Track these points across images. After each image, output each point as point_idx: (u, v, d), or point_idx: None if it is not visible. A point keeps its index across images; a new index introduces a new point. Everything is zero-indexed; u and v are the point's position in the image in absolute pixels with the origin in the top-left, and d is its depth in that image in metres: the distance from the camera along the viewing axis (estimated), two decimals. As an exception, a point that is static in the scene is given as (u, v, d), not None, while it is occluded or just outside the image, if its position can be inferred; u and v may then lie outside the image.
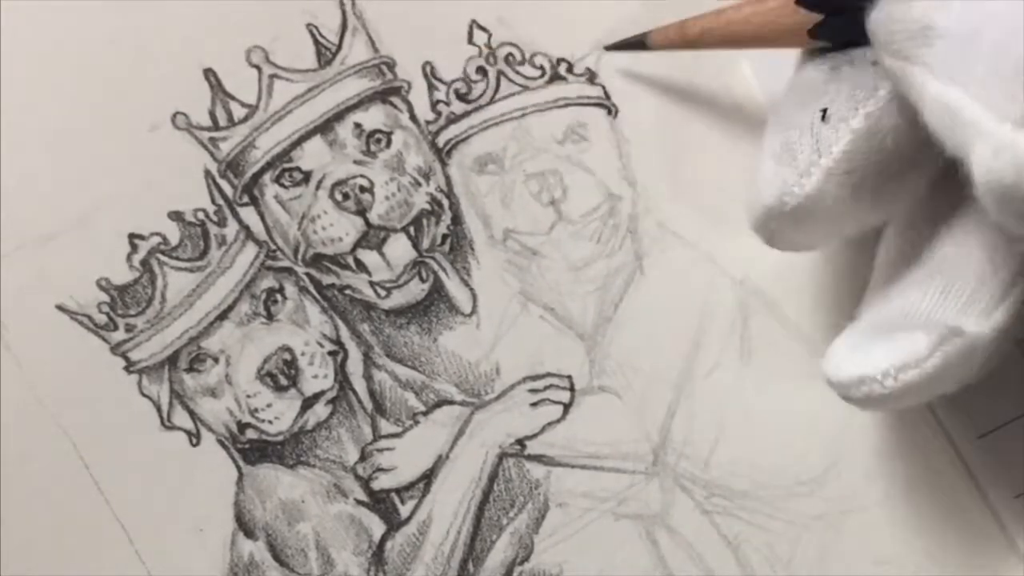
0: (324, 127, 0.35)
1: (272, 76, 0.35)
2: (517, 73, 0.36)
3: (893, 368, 0.27)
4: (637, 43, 0.34)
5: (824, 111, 0.27)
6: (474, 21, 0.36)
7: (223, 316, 0.35)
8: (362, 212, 0.35)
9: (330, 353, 0.35)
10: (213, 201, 0.35)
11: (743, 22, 0.30)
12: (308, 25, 0.35)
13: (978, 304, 0.28)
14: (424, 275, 0.35)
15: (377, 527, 0.35)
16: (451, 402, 0.35)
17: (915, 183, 0.29)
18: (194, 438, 0.35)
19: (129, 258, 0.35)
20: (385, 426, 0.35)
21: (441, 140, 0.36)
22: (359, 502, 0.35)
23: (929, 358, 0.27)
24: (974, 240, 0.28)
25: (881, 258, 0.31)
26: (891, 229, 0.31)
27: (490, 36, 0.36)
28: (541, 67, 0.36)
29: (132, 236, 0.35)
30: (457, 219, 0.35)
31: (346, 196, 0.35)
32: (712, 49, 0.32)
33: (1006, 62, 0.23)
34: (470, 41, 0.36)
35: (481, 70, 0.36)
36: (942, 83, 0.24)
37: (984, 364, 0.28)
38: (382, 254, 0.35)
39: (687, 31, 0.32)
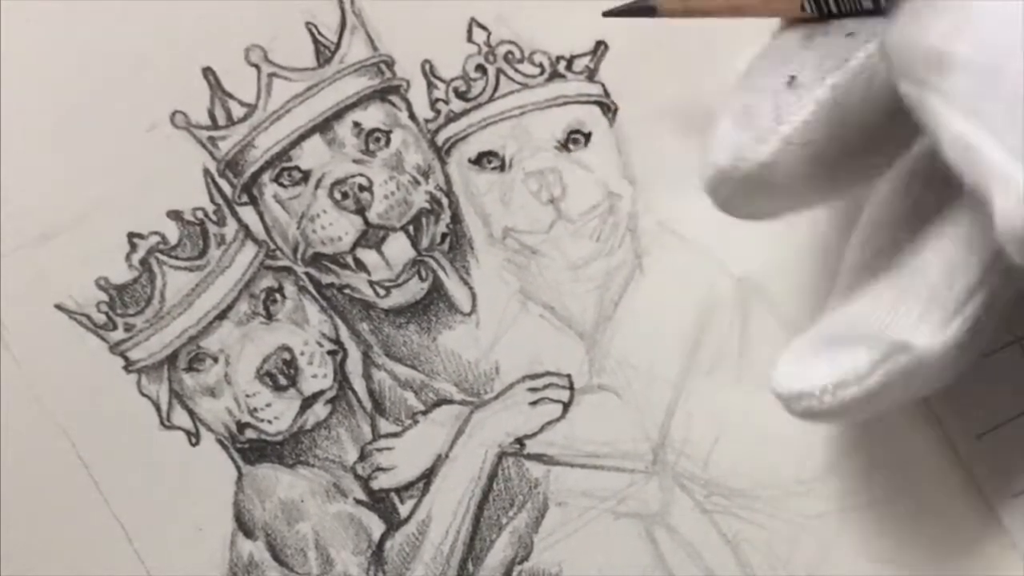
0: (323, 126, 0.35)
1: (271, 75, 0.35)
2: (516, 71, 0.36)
3: (831, 385, 0.27)
4: (642, 8, 0.32)
5: (792, 77, 0.26)
6: (473, 19, 0.35)
7: (222, 315, 0.35)
8: (361, 211, 0.35)
9: (329, 352, 0.35)
10: (212, 200, 0.35)
11: None
12: (307, 24, 0.35)
13: (931, 317, 0.26)
14: (423, 274, 0.35)
15: (376, 526, 0.35)
16: (450, 401, 0.35)
17: (877, 165, 0.28)
18: (193, 438, 0.35)
19: (128, 257, 0.35)
20: (384, 425, 0.35)
21: (440, 138, 0.35)
22: (358, 502, 0.35)
23: (870, 376, 0.26)
24: (931, 251, 0.27)
25: (846, 263, 0.30)
26: (856, 234, 0.30)
27: (489, 34, 0.36)
28: (540, 65, 0.36)
29: (131, 235, 0.35)
30: (456, 218, 0.35)
31: (345, 195, 0.35)
32: (714, 17, 0.30)
33: None
34: (469, 39, 0.35)
35: (480, 68, 0.35)
36: (961, 117, 0.22)
37: (939, 379, 0.27)
38: (381, 253, 0.35)
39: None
